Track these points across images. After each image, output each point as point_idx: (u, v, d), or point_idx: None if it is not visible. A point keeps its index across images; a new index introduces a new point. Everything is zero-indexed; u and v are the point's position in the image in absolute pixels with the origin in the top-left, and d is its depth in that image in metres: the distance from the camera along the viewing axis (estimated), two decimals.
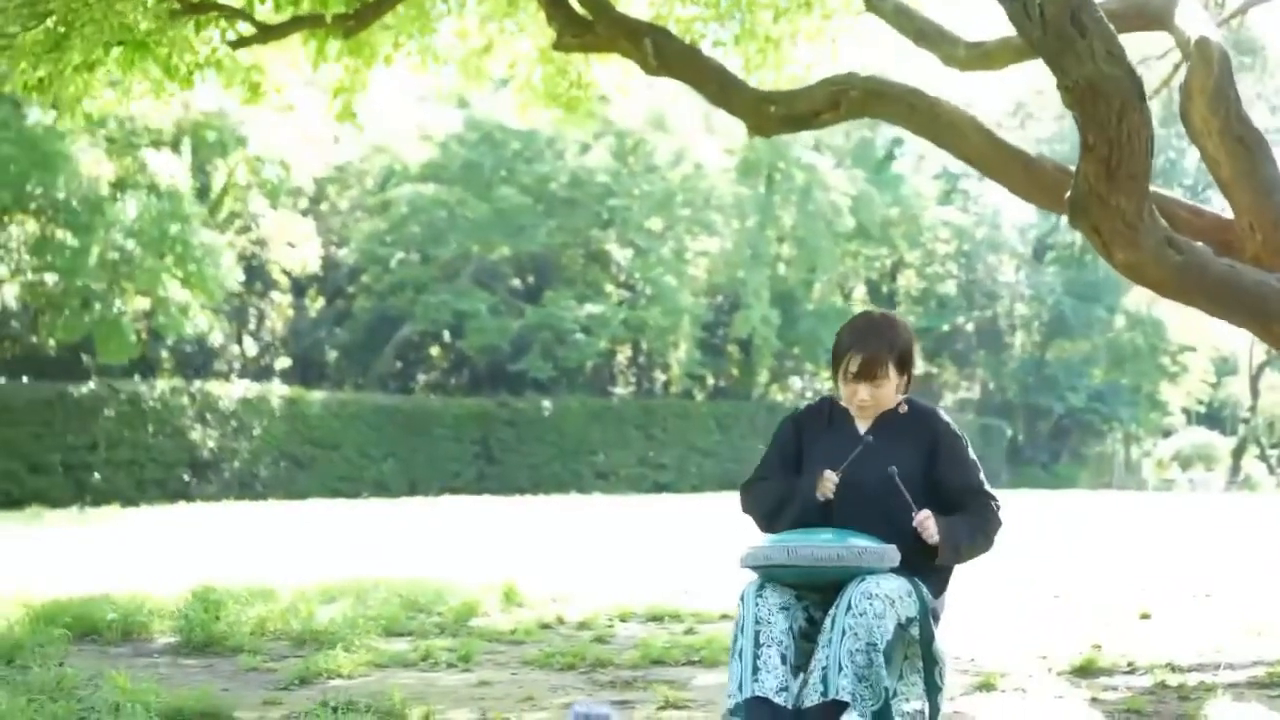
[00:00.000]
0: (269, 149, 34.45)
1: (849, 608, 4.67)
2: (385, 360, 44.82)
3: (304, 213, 43.81)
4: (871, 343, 5.01)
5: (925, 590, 4.91)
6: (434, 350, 47.23)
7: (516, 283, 45.21)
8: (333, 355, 46.29)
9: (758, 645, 4.75)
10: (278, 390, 39.03)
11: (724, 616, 8.97)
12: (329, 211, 46.59)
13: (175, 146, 35.21)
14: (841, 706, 4.57)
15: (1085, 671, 7.18)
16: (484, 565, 13.08)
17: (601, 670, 7.24)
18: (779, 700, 4.66)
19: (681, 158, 42.22)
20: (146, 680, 6.02)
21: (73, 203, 28.99)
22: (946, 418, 5.16)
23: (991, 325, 55.24)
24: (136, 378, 38.71)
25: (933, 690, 4.88)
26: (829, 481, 4.91)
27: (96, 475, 35.26)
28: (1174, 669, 7.18)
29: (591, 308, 41.47)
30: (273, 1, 10.13)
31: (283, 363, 46.68)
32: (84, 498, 33.52)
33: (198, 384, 38.10)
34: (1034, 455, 56.29)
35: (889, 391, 5.05)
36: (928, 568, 4.97)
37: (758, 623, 4.77)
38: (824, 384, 55.31)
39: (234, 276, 33.60)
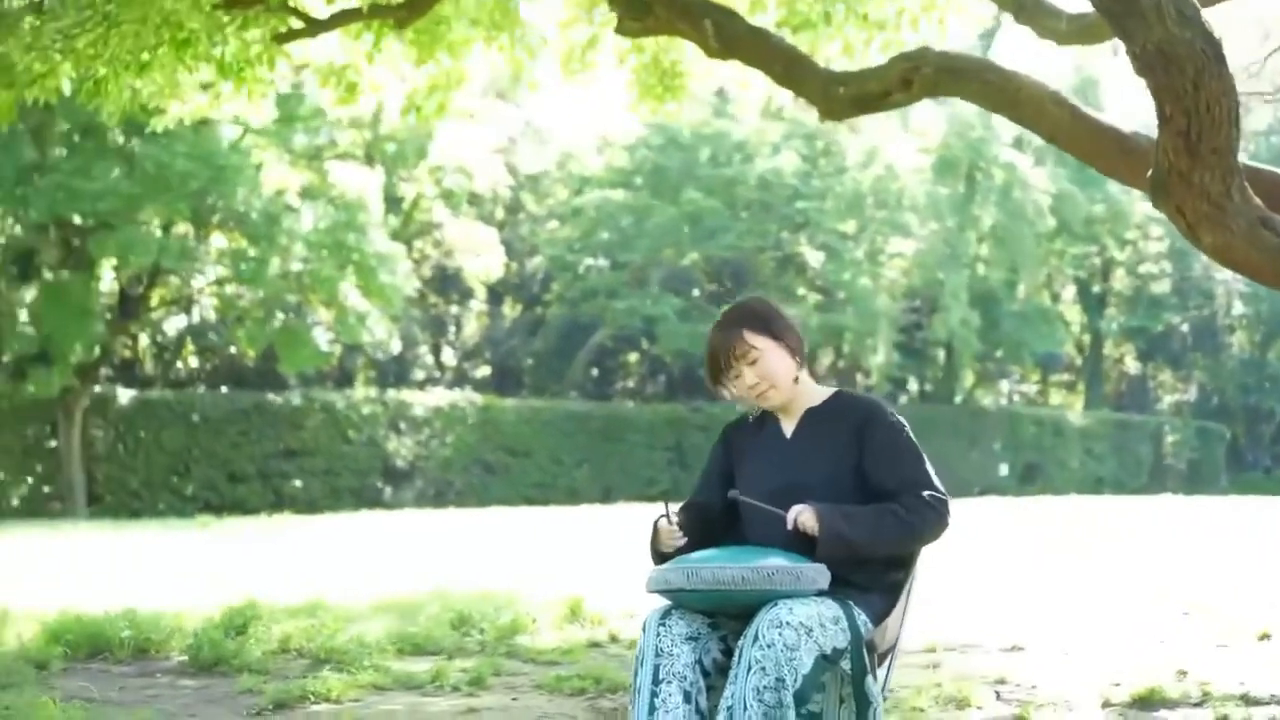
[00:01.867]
0: (452, 158, 34.60)
1: (756, 638, 4.05)
2: (579, 367, 44.74)
3: (501, 224, 44.06)
4: (720, 333, 4.47)
5: (861, 617, 4.26)
6: (632, 356, 47.02)
7: (712, 287, 44.77)
8: (528, 363, 46.39)
9: (656, 681, 4.15)
10: (471, 398, 39.21)
11: None
12: (525, 219, 46.78)
13: (369, 159, 35.60)
14: None
15: (1145, 702, 6.41)
16: (603, 576, 12.56)
17: (609, 696, 6.70)
18: None
19: (873, 158, 41.29)
20: (77, 707, 5.63)
21: (251, 215, 29.36)
22: (879, 405, 4.50)
23: (1208, 325, 53.02)
24: (331, 387, 39.33)
25: None
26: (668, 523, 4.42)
27: (296, 483, 35.79)
28: (1249, 701, 6.37)
29: None
30: None
31: (481, 371, 47.00)
32: (281, 506, 33.98)
33: (391, 393, 38.51)
34: (1256, 460, 53.93)
35: (774, 364, 4.44)
36: (866, 590, 4.34)
37: (658, 655, 4.17)
38: (1032, 385, 53.81)
39: (411, 284, 33.75)
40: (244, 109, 12.21)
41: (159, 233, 30.30)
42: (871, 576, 4.35)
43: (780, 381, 4.45)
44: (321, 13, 9.62)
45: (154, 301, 35.81)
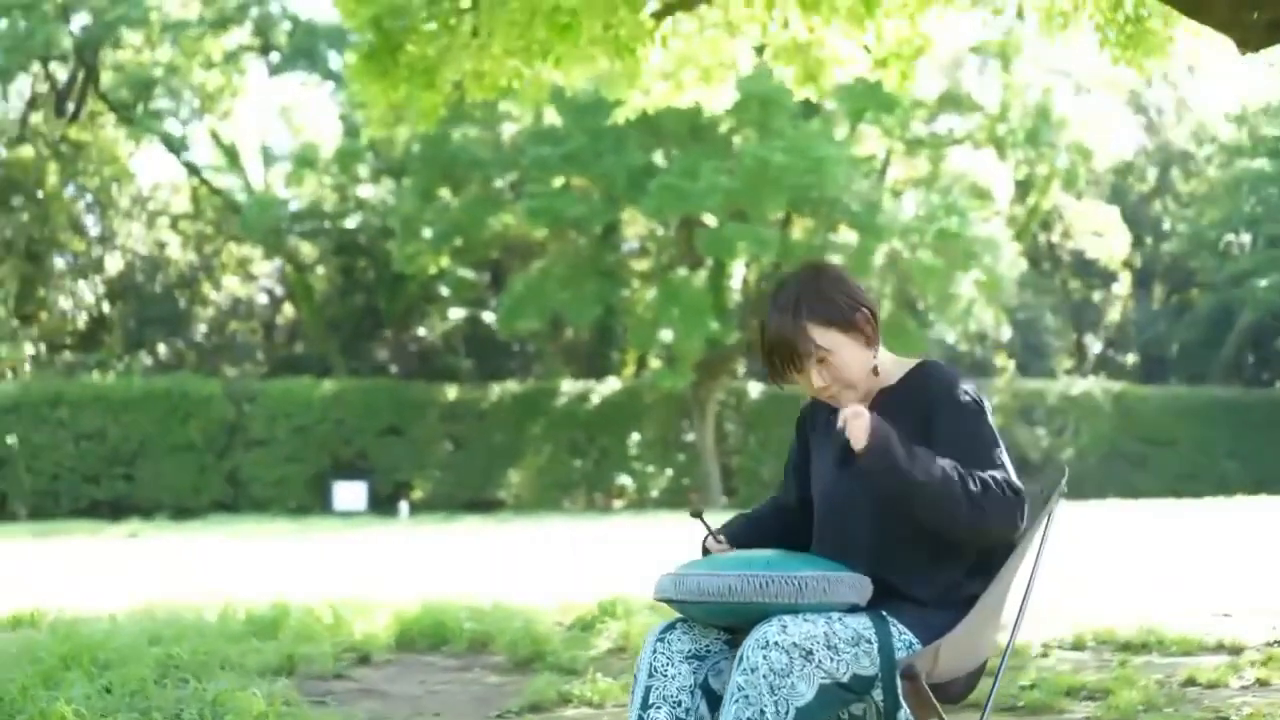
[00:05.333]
0: (1071, 139, 33.31)
1: (740, 660, 3.34)
2: (1228, 352, 42.05)
3: (1146, 200, 42.10)
4: (777, 323, 3.60)
5: (904, 636, 3.46)
6: None
7: None
8: (1174, 349, 44.08)
9: (645, 706, 3.52)
10: (1106, 386, 37.71)
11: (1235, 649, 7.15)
12: (1169, 197, 44.51)
13: (998, 146, 34.81)
14: None
15: None
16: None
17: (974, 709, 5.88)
18: None
19: None
20: (277, 703, 5.46)
21: (851, 205, 29.28)
22: (954, 383, 3.58)
23: None
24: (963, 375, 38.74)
25: None
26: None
27: None
28: None
29: None
30: None
31: (1129, 358, 45.11)
32: None
33: (1020, 382, 37.62)
34: None
35: (846, 362, 3.58)
36: (918, 602, 3.53)
37: (651, 675, 3.51)
38: None
39: (1016, 269, 32.71)
40: (705, 95, 12.04)
41: (773, 229, 30.58)
42: (932, 586, 3.53)
43: (856, 379, 3.62)
44: None
45: None
